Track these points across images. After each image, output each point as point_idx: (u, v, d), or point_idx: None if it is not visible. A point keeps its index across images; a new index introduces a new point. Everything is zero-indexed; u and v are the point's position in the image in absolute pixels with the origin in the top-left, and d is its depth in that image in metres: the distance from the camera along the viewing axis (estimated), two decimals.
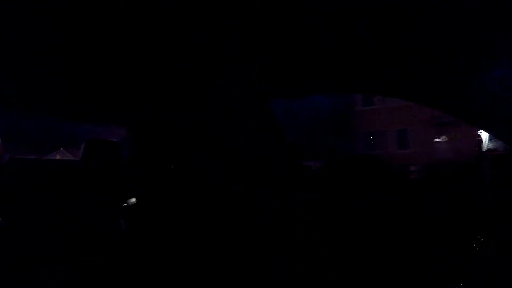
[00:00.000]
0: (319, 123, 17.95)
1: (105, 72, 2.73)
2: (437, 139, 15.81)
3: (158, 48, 2.34)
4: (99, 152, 3.33)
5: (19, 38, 2.19)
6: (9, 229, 2.54)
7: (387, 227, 2.37)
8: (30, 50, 2.38)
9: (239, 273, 1.96)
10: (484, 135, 12.21)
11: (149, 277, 1.99)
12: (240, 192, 2.28)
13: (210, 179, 2.29)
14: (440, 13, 2.09)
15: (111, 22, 2.08)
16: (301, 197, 2.04)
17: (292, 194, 1.96)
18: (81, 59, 2.49)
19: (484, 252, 2.20)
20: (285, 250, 1.95)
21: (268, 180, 1.79)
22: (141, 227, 2.26)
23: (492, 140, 11.02)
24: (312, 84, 3.31)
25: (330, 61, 2.78)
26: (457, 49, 2.60)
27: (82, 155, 3.29)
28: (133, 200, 2.70)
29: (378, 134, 17.80)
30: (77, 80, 2.91)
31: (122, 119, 3.89)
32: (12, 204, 2.73)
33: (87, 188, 3.06)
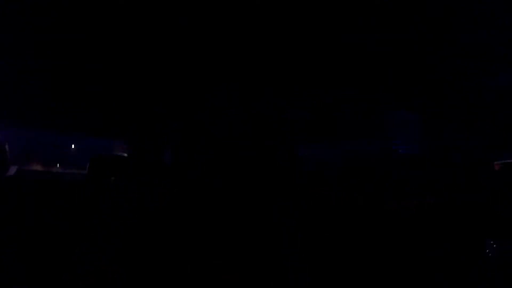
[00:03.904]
0: None
1: (104, 85, 2.74)
2: None
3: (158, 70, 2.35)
4: (106, 166, 3.35)
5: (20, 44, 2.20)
6: (16, 236, 2.55)
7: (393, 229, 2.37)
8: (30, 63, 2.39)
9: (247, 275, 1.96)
10: None
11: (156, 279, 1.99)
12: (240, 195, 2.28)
13: (214, 183, 2.29)
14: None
15: (110, 35, 2.09)
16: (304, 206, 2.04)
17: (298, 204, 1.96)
18: (81, 72, 2.51)
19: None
20: (300, 260, 1.96)
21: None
22: (147, 233, 2.26)
23: None
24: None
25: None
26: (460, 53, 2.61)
27: (89, 168, 3.31)
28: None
29: None
30: (76, 92, 2.92)
31: (121, 130, 3.89)
32: (20, 212, 2.74)
33: (94, 201, 3.07)
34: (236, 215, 2.11)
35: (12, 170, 2.95)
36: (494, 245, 2.19)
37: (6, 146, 2.88)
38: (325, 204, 2.45)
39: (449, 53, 2.67)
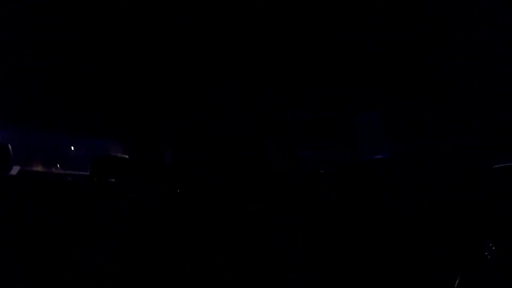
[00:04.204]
0: None
1: (103, 84, 2.74)
2: None
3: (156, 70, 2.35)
4: (109, 168, 3.35)
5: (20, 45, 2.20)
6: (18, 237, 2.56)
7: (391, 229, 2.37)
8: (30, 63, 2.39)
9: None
10: None
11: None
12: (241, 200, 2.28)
13: (214, 183, 2.29)
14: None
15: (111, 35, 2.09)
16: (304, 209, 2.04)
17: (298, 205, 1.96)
18: (81, 71, 2.51)
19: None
20: (300, 264, 1.97)
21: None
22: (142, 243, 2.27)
23: None
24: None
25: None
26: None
27: (91, 170, 3.32)
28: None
29: None
30: (76, 93, 2.92)
31: (121, 130, 3.89)
32: (20, 211, 2.74)
33: (94, 201, 3.06)
34: (236, 215, 2.11)
35: (15, 170, 2.97)
36: (494, 245, 2.19)
37: (9, 146, 2.90)
38: (325, 204, 2.45)
39: (449, 53, 2.68)
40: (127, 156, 3.49)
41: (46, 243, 2.62)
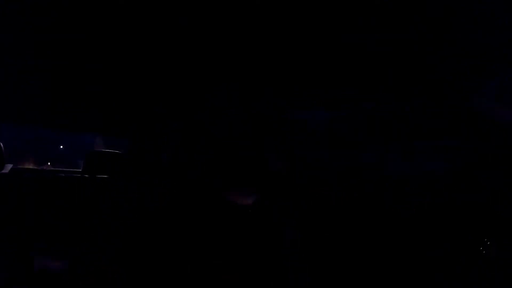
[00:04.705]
0: None
1: (102, 82, 2.74)
2: None
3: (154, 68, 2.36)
4: (102, 164, 3.35)
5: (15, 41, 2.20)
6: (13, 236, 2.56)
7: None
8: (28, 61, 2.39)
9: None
10: None
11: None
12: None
13: (214, 183, 2.29)
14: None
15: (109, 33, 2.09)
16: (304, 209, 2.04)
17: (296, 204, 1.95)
18: (79, 68, 2.51)
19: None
20: (301, 266, 1.97)
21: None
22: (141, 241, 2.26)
23: None
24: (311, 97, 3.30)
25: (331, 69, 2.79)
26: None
27: (84, 166, 3.33)
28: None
29: None
30: (76, 92, 2.92)
31: (121, 130, 3.89)
32: (15, 212, 2.74)
33: (93, 200, 3.07)
34: (236, 215, 2.11)
35: (7, 168, 2.98)
36: (494, 245, 2.19)
37: (1, 145, 2.91)
38: (325, 204, 2.45)
39: (449, 53, 2.67)
40: (118, 152, 3.49)
41: (45, 243, 2.62)
